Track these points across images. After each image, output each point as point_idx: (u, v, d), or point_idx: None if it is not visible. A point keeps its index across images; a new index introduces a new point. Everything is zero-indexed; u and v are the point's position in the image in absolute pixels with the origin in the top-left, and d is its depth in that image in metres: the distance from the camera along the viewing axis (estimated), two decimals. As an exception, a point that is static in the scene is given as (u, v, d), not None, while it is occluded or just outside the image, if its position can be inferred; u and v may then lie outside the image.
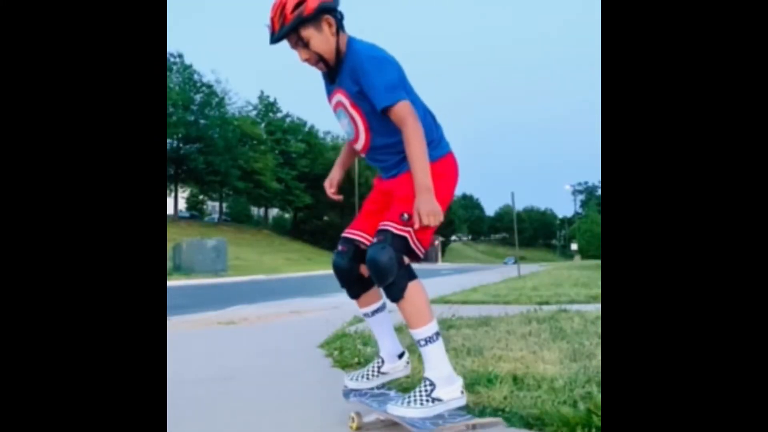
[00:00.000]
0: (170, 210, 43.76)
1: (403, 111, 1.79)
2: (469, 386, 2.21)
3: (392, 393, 2.07)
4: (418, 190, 1.76)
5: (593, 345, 3.06)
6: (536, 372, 2.43)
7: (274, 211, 60.60)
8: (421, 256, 1.88)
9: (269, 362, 3.42)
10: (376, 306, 2.04)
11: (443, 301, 7.05)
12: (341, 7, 1.90)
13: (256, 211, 58.87)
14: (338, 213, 50.52)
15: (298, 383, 2.77)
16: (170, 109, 39.58)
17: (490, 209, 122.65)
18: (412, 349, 2.24)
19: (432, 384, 1.77)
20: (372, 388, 2.05)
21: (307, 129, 58.04)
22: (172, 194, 45.53)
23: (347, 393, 2.07)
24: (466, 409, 2.04)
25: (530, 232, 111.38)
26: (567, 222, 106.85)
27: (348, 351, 3.37)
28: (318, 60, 1.88)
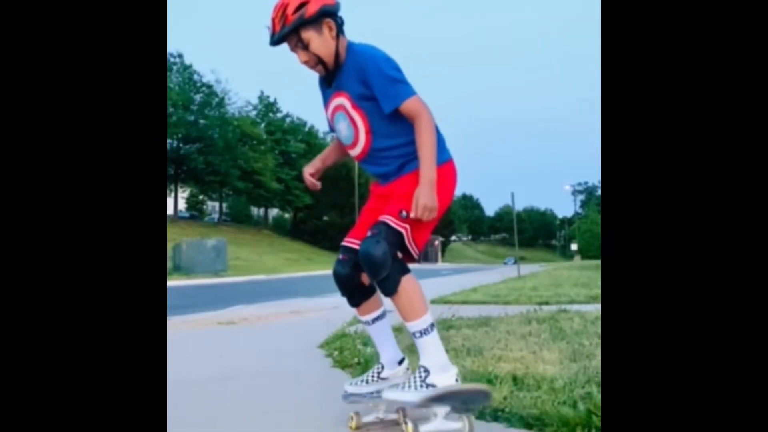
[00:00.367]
0: (170, 210, 43.78)
1: (416, 104, 1.84)
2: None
3: None
4: (422, 180, 1.79)
5: (593, 345, 3.06)
6: (536, 372, 2.43)
7: (274, 211, 60.61)
8: (415, 256, 1.88)
9: (269, 362, 3.42)
10: (376, 314, 2.04)
11: (443, 301, 7.05)
12: (341, 11, 1.91)
13: (256, 211, 58.87)
14: (338, 213, 50.51)
15: (298, 383, 2.77)
16: (170, 109, 39.58)
17: (490, 209, 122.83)
18: (413, 349, 2.24)
19: (426, 371, 1.78)
20: (371, 392, 2.05)
21: (306, 129, 58.06)
22: (172, 194, 45.55)
23: (346, 396, 2.07)
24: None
25: (530, 232, 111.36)
26: (567, 222, 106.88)
27: (348, 351, 3.37)
28: (317, 62, 1.89)
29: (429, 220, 1.80)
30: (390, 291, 1.80)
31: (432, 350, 1.80)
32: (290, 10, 1.82)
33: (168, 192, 43.01)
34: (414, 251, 1.87)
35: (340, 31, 1.90)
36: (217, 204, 54.62)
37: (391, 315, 2.08)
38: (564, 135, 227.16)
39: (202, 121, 44.62)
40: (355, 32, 1.97)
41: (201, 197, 55.97)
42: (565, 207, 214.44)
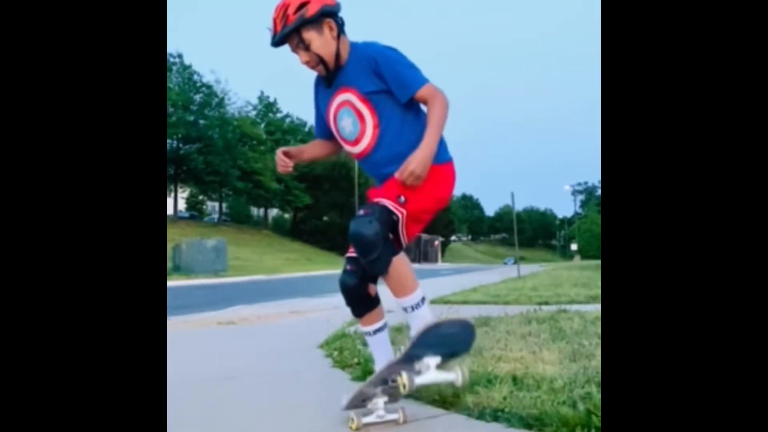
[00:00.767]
0: (170, 210, 43.76)
1: (431, 88, 1.86)
2: (469, 386, 2.21)
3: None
4: (421, 146, 1.78)
5: (593, 345, 3.05)
6: (536, 372, 2.43)
7: (273, 212, 60.59)
8: (403, 245, 1.87)
9: (269, 362, 3.42)
10: (378, 325, 2.04)
11: (443, 301, 7.05)
12: (342, 11, 1.92)
13: (255, 211, 58.86)
14: (338, 213, 50.47)
15: (298, 383, 2.77)
16: (170, 110, 39.58)
17: (489, 209, 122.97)
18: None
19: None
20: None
21: (306, 129, 57.99)
22: (172, 194, 45.54)
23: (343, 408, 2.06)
24: (466, 408, 2.05)
25: (530, 232, 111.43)
26: (567, 222, 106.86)
27: (348, 351, 3.37)
28: (318, 63, 1.90)
29: (410, 185, 1.79)
30: (380, 271, 1.80)
31: (423, 322, 1.80)
32: (291, 10, 1.84)
33: (168, 192, 42.99)
34: (404, 239, 1.86)
35: (341, 31, 1.90)
36: (216, 204, 54.61)
37: (392, 315, 2.08)
38: (564, 135, 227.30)
39: (201, 122, 44.62)
40: (355, 32, 1.98)
41: (201, 197, 55.97)
42: (565, 207, 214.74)
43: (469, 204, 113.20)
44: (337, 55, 1.90)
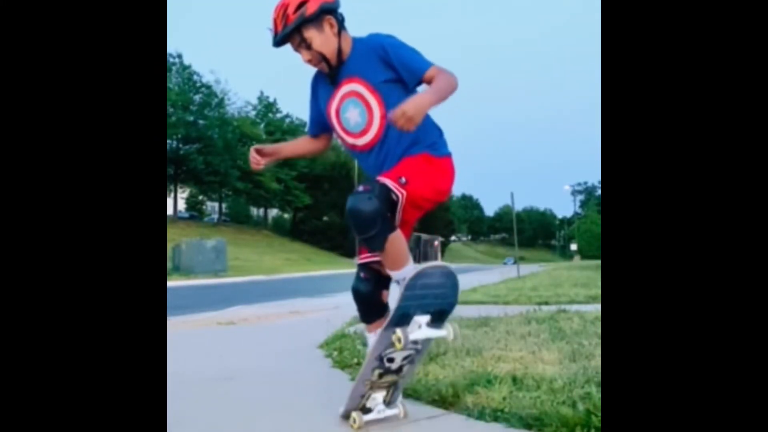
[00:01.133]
0: (170, 210, 43.74)
1: (438, 68, 1.85)
2: (469, 387, 2.21)
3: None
4: (419, 95, 1.75)
5: (592, 345, 3.06)
6: (535, 372, 2.43)
7: (273, 212, 60.57)
8: (396, 227, 1.86)
9: (269, 362, 3.42)
10: None
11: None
12: (342, 9, 1.92)
13: (255, 211, 58.84)
14: (338, 213, 50.44)
15: (298, 383, 2.77)
16: (169, 110, 39.55)
17: (489, 209, 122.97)
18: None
19: None
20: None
21: (306, 129, 57.88)
22: (172, 194, 45.50)
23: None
24: (465, 408, 2.05)
25: (530, 232, 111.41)
26: (566, 222, 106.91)
27: (348, 351, 3.37)
28: (320, 60, 1.91)
29: (405, 127, 1.68)
30: (377, 248, 1.80)
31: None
32: (291, 9, 1.84)
33: (168, 192, 42.97)
34: (399, 221, 1.85)
35: (341, 27, 1.91)
36: (216, 204, 54.58)
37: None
38: (564, 135, 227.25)
39: (201, 122, 44.59)
40: (354, 31, 1.98)
41: (201, 197, 55.94)
42: (564, 207, 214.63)
43: (469, 204, 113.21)
44: (339, 52, 1.90)
